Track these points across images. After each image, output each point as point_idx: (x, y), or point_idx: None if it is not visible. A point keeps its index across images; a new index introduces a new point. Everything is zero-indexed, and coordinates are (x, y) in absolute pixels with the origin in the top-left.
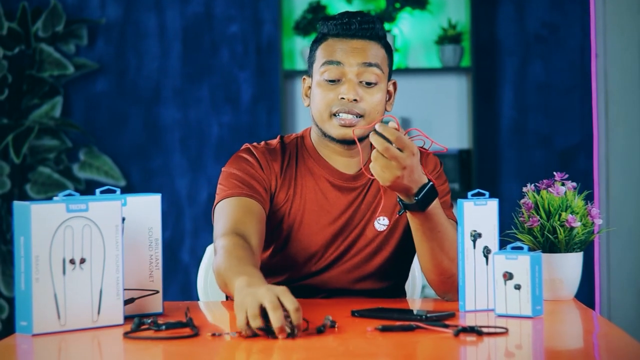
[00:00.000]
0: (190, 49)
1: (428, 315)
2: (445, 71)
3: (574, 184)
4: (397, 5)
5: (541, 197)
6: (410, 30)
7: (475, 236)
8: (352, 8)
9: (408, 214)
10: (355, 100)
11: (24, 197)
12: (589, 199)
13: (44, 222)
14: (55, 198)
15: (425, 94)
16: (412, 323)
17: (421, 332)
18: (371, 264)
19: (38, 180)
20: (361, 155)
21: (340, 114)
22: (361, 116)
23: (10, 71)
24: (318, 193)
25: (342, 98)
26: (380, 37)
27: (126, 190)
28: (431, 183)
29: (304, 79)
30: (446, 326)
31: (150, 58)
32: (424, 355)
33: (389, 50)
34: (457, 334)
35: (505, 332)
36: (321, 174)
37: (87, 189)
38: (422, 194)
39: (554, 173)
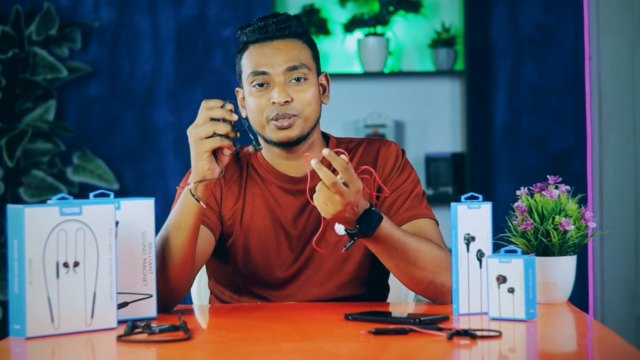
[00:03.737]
0: (184, 51)
1: (422, 318)
2: (438, 74)
3: (568, 187)
4: (391, 8)
5: (535, 200)
6: (403, 34)
7: (469, 239)
8: (345, 11)
9: (360, 240)
10: (286, 101)
11: (18, 200)
12: (583, 202)
13: (37, 225)
14: (49, 201)
15: (418, 97)
16: (406, 326)
17: (415, 335)
18: (344, 271)
19: (32, 184)
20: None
21: (276, 120)
22: (295, 115)
23: (4, 74)
24: (269, 199)
25: (274, 102)
26: (300, 34)
27: (120, 193)
28: (372, 209)
29: (237, 91)
30: (440, 329)
31: (143, 61)
32: (418, 359)
33: (312, 44)
34: (450, 337)
35: (498, 335)
36: (271, 180)
37: (81, 192)
38: (363, 222)
39: (548, 176)
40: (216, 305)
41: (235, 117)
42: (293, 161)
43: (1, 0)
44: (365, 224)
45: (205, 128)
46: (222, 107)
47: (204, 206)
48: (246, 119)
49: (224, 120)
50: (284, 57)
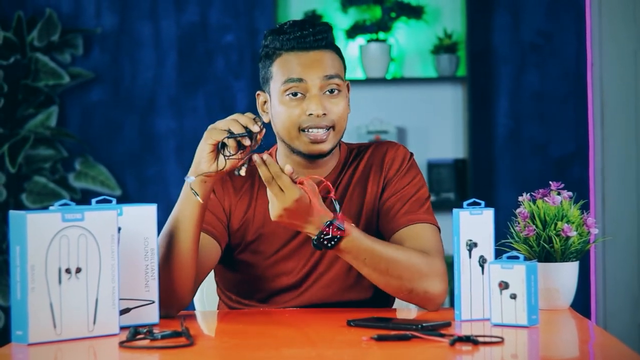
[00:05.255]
0: (186, 58)
1: (424, 324)
2: (440, 81)
3: (570, 193)
4: (393, 14)
5: (537, 206)
6: (406, 40)
7: (471, 245)
8: (347, 17)
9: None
10: (324, 114)
11: (20, 206)
12: (585, 208)
13: (39, 231)
14: (51, 207)
15: (420, 103)
16: (408, 332)
17: (417, 341)
18: (351, 275)
19: (34, 190)
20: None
21: (310, 130)
22: (331, 127)
23: (6, 81)
24: None
25: (310, 114)
26: (333, 45)
27: (121, 199)
28: (334, 222)
29: (258, 94)
30: (442, 335)
31: (145, 67)
32: None
33: (340, 54)
34: (452, 344)
35: (501, 341)
36: None
37: (83, 198)
38: (319, 238)
39: (550, 182)
40: (219, 311)
41: (255, 129)
42: (311, 170)
43: (3, 6)
44: (319, 243)
45: (224, 122)
46: (254, 119)
47: (201, 201)
48: (268, 123)
49: (247, 129)
50: (321, 67)
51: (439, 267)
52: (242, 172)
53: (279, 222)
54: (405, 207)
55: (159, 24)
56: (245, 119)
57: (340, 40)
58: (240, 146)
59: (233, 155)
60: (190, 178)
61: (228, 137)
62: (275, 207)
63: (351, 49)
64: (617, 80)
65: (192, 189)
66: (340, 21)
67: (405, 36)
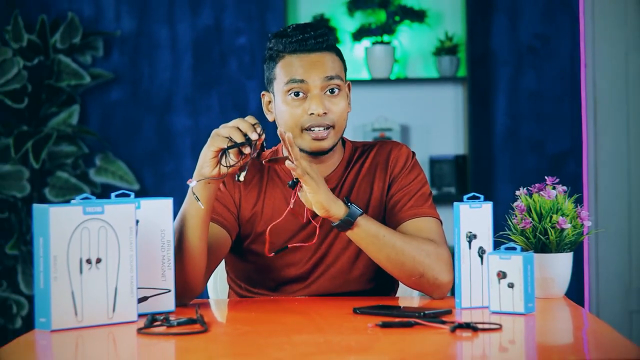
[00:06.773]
0: (201, 59)
1: (426, 312)
2: (442, 81)
3: (565, 187)
4: (397, 18)
5: (533, 200)
6: (409, 42)
7: (471, 237)
8: (353, 20)
9: (348, 234)
10: (325, 113)
11: (43, 200)
12: (579, 201)
13: (62, 224)
14: (72, 201)
15: (423, 102)
16: (411, 319)
17: (419, 328)
18: (356, 267)
19: (56, 185)
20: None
21: (312, 129)
22: (331, 126)
23: (30, 81)
24: (290, 201)
25: (312, 114)
26: (333, 47)
27: (140, 193)
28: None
29: (263, 94)
30: (443, 322)
31: (162, 68)
32: (422, 350)
33: (341, 55)
34: (453, 330)
35: (499, 328)
36: None
37: (103, 192)
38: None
39: (546, 177)
40: (231, 299)
41: (254, 136)
42: (315, 165)
43: (27, 10)
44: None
45: (226, 129)
46: (253, 125)
47: (202, 206)
48: (272, 122)
49: (246, 135)
50: (322, 68)
51: (447, 256)
52: (241, 178)
53: (323, 204)
54: (411, 202)
55: (175, 27)
56: (246, 125)
57: (346, 42)
58: (241, 152)
59: (234, 162)
60: (193, 182)
61: (229, 148)
62: (317, 184)
63: (357, 50)
64: (609, 81)
65: (194, 194)
66: (347, 24)
67: (409, 39)
